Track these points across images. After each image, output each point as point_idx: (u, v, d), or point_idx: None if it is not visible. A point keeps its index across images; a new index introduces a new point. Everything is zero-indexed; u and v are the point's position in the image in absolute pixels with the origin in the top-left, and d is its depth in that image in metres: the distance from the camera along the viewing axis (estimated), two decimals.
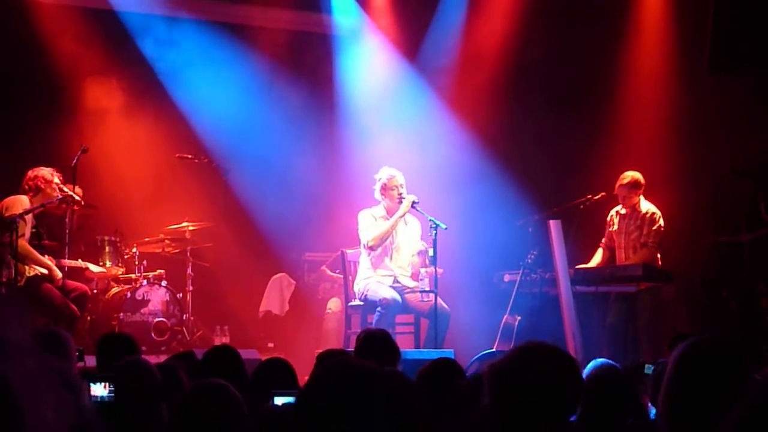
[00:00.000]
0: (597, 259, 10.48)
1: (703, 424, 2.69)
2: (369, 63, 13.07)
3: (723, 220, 11.65)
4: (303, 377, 7.50)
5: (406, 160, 10.82)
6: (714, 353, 2.80)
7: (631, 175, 10.24)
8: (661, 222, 10.17)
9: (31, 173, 9.99)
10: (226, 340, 11.15)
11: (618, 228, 10.39)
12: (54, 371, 3.53)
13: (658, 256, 10.21)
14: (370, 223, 9.93)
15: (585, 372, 5.42)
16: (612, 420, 4.57)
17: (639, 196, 10.25)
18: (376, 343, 6.31)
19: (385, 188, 9.94)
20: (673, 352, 2.86)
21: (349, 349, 8.40)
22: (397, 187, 9.89)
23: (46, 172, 10.03)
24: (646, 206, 10.25)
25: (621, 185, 10.23)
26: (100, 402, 4.80)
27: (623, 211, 10.37)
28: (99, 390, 4.93)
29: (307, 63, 12.90)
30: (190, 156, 11.61)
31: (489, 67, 12.58)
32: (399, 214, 9.86)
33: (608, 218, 10.53)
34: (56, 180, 10.00)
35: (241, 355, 5.77)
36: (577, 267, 10.32)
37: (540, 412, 2.95)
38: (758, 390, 1.59)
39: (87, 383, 4.98)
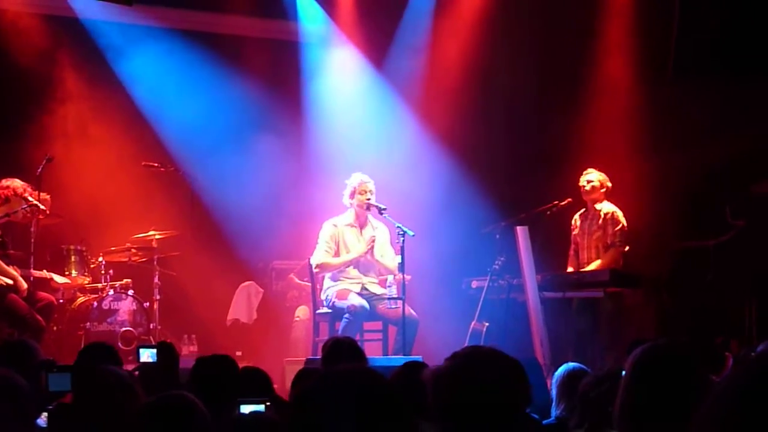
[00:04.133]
0: (568, 270, 10.54)
1: (660, 428, 2.73)
2: (336, 70, 13.09)
3: (689, 224, 11.74)
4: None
5: (374, 166, 10.84)
6: (668, 358, 2.84)
7: (596, 174, 10.40)
8: (624, 221, 10.30)
9: (3, 182, 9.97)
10: (193, 348, 11.15)
11: (580, 229, 10.51)
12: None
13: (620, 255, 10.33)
14: (325, 240, 10.02)
15: (556, 376, 5.48)
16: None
17: (602, 195, 10.38)
18: (343, 351, 6.34)
19: (354, 193, 9.98)
20: (629, 358, 2.90)
21: (316, 357, 8.45)
22: (366, 192, 9.94)
23: (18, 184, 10.02)
24: (607, 207, 10.38)
25: (587, 182, 10.37)
26: (61, 393, 4.83)
27: (582, 211, 10.51)
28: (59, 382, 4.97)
29: (274, 70, 12.90)
30: (156, 164, 11.57)
31: (455, 73, 12.63)
32: (353, 256, 9.95)
33: (572, 223, 10.62)
34: (26, 195, 9.99)
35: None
36: (557, 273, 10.40)
37: (481, 415, 3.00)
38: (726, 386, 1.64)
39: (45, 374, 5.02)
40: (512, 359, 3.18)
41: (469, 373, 3.04)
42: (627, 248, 10.35)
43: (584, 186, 10.42)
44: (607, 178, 10.41)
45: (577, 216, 10.61)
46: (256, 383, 5.44)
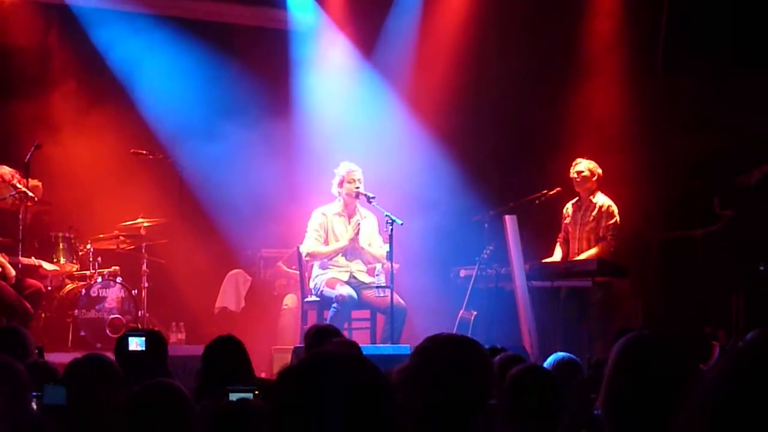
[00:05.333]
0: (556, 256, 10.51)
1: (645, 418, 2.73)
2: (325, 59, 13.06)
3: (677, 214, 11.78)
4: (259, 373, 7.55)
5: (363, 155, 10.83)
6: (654, 347, 2.84)
7: (586, 163, 10.33)
8: (618, 217, 10.25)
9: None
10: (181, 336, 11.15)
11: (572, 219, 10.47)
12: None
13: (612, 249, 10.29)
14: (314, 228, 10.03)
15: (546, 365, 5.49)
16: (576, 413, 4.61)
17: (594, 185, 10.32)
18: (326, 339, 6.35)
19: (343, 182, 9.99)
20: (614, 347, 2.89)
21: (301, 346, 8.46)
22: (355, 181, 9.95)
23: (6, 171, 10.05)
24: (602, 199, 10.30)
25: (577, 171, 10.31)
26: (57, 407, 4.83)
27: (575, 200, 10.46)
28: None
29: (263, 59, 12.88)
30: (144, 152, 11.52)
31: (445, 62, 12.63)
32: (342, 244, 9.98)
33: (564, 211, 10.59)
34: (14, 182, 10.00)
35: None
36: (543, 261, 10.40)
37: (453, 408, 3.02)
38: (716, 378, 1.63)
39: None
40: (474, 344, 3.19)
41: (433, 369, 3.05)
42: (618, 243, 10.31)
43: (575, 177, 10.33)
44: (597, 166, 10.30)
45: (569, 205, 10.54)
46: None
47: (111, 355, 5.19)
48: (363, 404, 2.16)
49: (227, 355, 5.59)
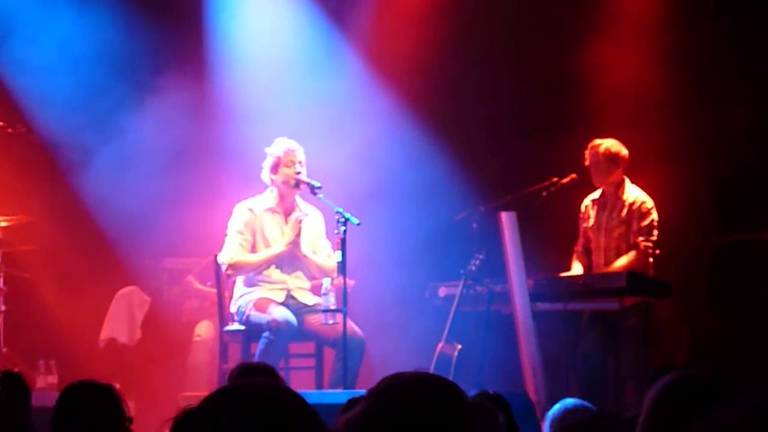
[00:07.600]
0: (576, 271, 10.48)
1: None
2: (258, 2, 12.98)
3: (737, 211, 11.79)
4: (164, 428, 7.52)
5: (307, 133, 10.80)
6: (699, 391, 2.83)
7: (606, 145, 10.26)
8: (655, 215, 10.22)
9: None
10: (53, 380, 11.09)
11: (595, 222, 10.43)
12: None
13: (651, 260, 10.27)
14: (237, 230, 10.00)
15: (549, 417, 5.48)
16: None
17: (621, 175, 10.27)
18: None
19: (278, 166, 9.91)
20: (648, 393, 2.87)
21: None
22: (295, 164, 9.87)
23: None
24: (634, 194, 10.29)
25: (595, 158, 10.25)
26: None
27: (596, 196, 10.43)
28: None
29: (172, 4, 12.78)
30: (1, 124, 11.47)
31: (422, 10, 12.59)
32: (278, 250, 9.94)
33: (582, 210, 10.57)
34: None
35: None
36: (560, 275, 10.37)
37: None
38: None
39: None
40: (448, 385, 3.15)
41: (388, 417, 3.02)
42: (657, 251, 10.26)
43: (592, 165, 10.28)
44: (622, 148, 10.22)
45: (589, 201, 10.52)
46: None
47: None
48: None
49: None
